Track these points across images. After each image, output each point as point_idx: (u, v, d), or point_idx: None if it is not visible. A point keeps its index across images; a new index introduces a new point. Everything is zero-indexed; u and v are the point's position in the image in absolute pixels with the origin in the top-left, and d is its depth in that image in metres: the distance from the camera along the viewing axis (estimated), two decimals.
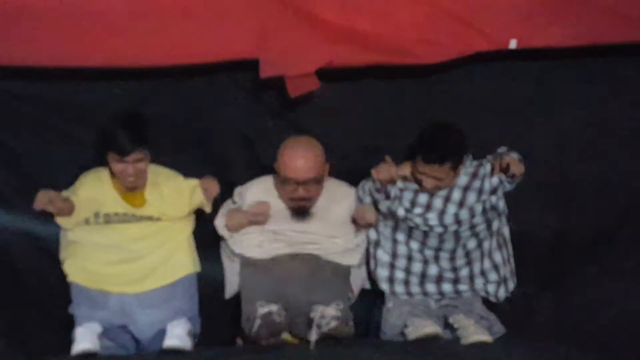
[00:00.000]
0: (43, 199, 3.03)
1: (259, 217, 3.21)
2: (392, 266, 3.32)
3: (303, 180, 3.13)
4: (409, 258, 3.31)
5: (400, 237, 3.30)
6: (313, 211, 3.25)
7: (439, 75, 3.37)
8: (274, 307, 3.01)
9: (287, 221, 3.25)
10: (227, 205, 3.32)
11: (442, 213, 3.21)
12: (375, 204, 3.28)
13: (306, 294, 3.11)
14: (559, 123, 3.47)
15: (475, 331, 3.08)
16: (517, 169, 3.13)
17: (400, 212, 3.21)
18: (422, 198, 3.23)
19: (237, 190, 3.33)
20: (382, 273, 3.32)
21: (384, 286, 3.32)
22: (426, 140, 3.11)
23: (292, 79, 3.17)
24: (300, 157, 3.14)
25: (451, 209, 3.21)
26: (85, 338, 3.04)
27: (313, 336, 3.00)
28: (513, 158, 3.15)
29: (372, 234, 3.35)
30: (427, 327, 3.11)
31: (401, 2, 3.17)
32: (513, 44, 3.20)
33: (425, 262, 3.30)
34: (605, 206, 3.47)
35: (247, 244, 3.25)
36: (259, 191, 3.29)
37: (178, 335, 3.06)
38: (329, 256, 3.25)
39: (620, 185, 3.45)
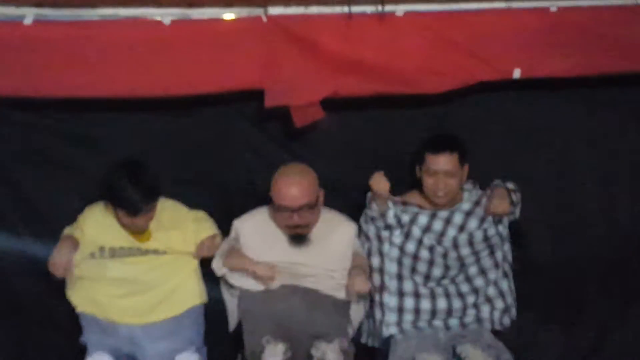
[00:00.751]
0: (58, 268, 3.04)
1: (264, 279, 3.17)
2: (400, 310, 3.29)
3: (297, 207, 3.11)
4: (416, 295, 3.29)
5: (405, 272, 3.29)
6: (311, 238, 3.23)
7: (444, 105, 3.40)
8: (280, 351, 2.98)
9: (285, 252, 3.22)
10: (224, 245, 3.27)
11: (441, 235, 3.23)
12: (378, 231, 3.28)
13: (307, 327, 3.09)
14: (562, 151, 3.50)
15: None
16: (505, 211, 3.17)
17: (397, 239, 3.24)
18: (422, 219, 3.25)
19: (234, 226, 3.30)
20: (391, 319, 3.28)
21: (393, 330, 3.28)
22: (432, 138, 3.23)
23: (297, 109, 3.20)
24: (293, 183, 3.12)
25: (451, 232, 3.23)
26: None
27: None
28: (501, 202, 3.17)
29: (376, 279, 3.32)
30: None
31: (405, 32, 3.20)
32: (517, 74, 3.24)
33: (433, 296, 3.28)
34: (611, 234, 3.47)
35: (246, 277, 3.22)
36: (254, 224, 3.27)
37: None
38: (328, 290, 3.24)
39: (627, 213, 3.46)
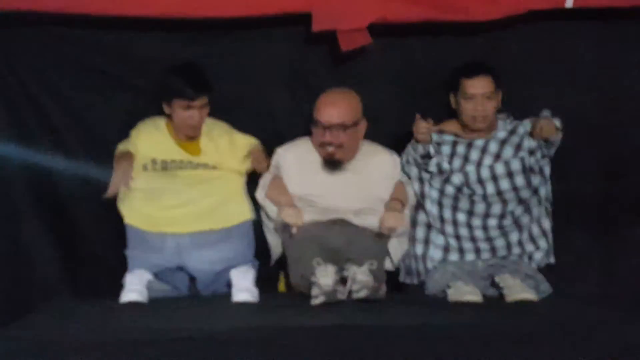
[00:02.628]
0: (117, 182, 3.14)
1: (291, 220, 3.15)
2: (446, 249, 3.30)
3: (330, 124, 3.15)
4: (457, 237, 3.29)
5: (447, 213, 3.30)
6: (347, 167, 3.25)
7: (493, 34, 3.37)
8: (331, 272, 2.98)
9: (324, 183, 3.26)
10: (268, 176, 3.32)
11: (478, 165, 3.22)
12: (419, 173, 3.30)
13: (345, 255, 3.12)
14: (611, 85, 3.42)
15: (521, 289, 3.09)
16: (551, 133, 3.14)
17: (445, 165, 3.24)
18: (460, 149, 3.25)
19: (277, 153, 3.33)
20: (436, 255, 3.30)
21: (437, 254, 3.30)
22: (463, 65, 3.24)
23: (344, 33, 3.21)
24: (331, 101, 3.18)
25: (487, 160, 3.23)
26: (133, 287, 3.11)
27: (344, 297, 3.03)
28: (549, 123, 3.14)
29: (422, 216, 3.34)
30: (468, 295, 3.10)
31: None
32: (569, 3, 3.17)
33: (474, 239, 3.28)
34: None
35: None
36: (296, 154, 3.30)
37: (247, 288, 3.14)
38: (366, 224, 3.25)
39: None
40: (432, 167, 3.27)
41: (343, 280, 3.05)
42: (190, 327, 2.76)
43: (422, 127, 3.15)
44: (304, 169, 3.27)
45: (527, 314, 2.97)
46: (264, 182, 3.31)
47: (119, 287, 3.16)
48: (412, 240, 3.36)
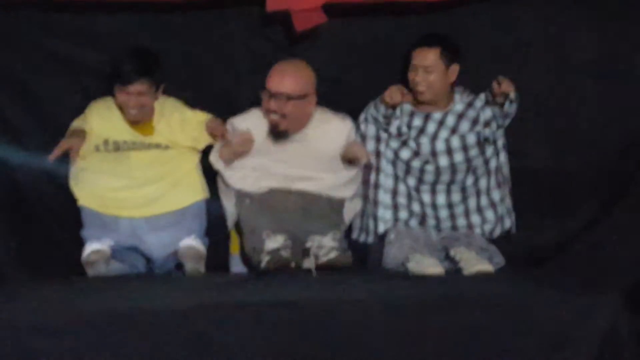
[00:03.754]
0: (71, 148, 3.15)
1: (242, 147, 3.24)
2: (395, 207, 3.36)
3: (274, 93, 3.18)
4: (409, 196, 3.36)
5: (400, 174, 3.36)
6: (295, 137, 3.28)
7: (446, 13, 3.41)
8: (280, 239, 3.08)
9: (279, 153, 3.29)
10: (220, 143, 3.34)
11: (434, 138, 3.28)
12: (377, 132, 3.36)
13: (302, 224, 3.19)
14: (560, 59, 3.49)
15: (477, 262, 3.13)
16: (509, 89, 3.19)
17: (404, 129, 3.30)
18: (417, 121, 3.30)
19: (230, 123, 3.34)
20: (386, 215, 3.36)
21: (389, 225, 3.35)
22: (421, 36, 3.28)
23: (299, 13, 3.22)
24: (281, 70, 3.22)
25: (443, 133, 3.29)
26: (95, 245, 3.13)
27: (312, 265, 3.08)
28: (505, 81, 3.20)
29: (372, 176, 3.40)
30: (431, 268, 3.13)
31: None
32: None
33: (423, 201, 3.35)
34: (605, 142, 3.49)
35: (241, 178, 3.30)
36: (250, 124, 3.31)
37: (192, 259, 3.17)
38: (322, 190, 3.30)
39: (622, 121, 3.47)
40: (393, 128, 3.32)
41: (305, 252, 3.09)
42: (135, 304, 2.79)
43: (396, 92, 3.22)
44: (257, 138, 3.28)
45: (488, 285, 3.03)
46: (217, 146, 3.32)
47: (76, 268, 3.16)
48: (365, 198, 3.41)
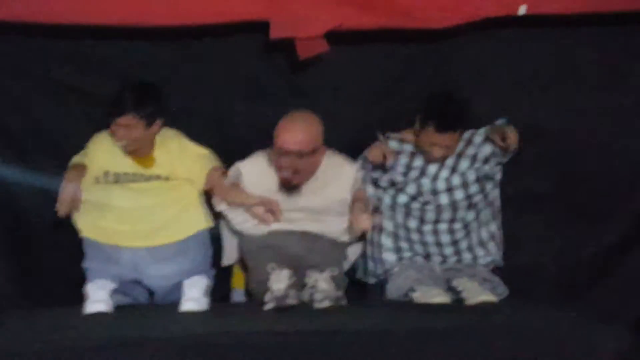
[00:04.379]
0: (65, 203, 3.09)
1: (262, 216, 3.19)
2: (397, 250, 3.37)
3: (289, 151, 3.12)
4: (410, 240, 3.36)
5: (400, 216, 3.35)
6: (304, 188, 3.23)
7: (448, 42, 3.41)
8: (285, 276, 3.04)
9: (285, 198, 3.24)
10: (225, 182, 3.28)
11: (435, 178, 3.28)
12: (374, 181, 3.36)
13: (304, 259, 3.16)
14: (567, 92, 3.50)
15: (479, 292, 3.14)
16: (515, 142, 3.18)
17: (398, 179, 3.29)
18: (418, 162, 3.29)
19: (236, 167, 3.29)
20: (388, 257, 3.36)
21: (391, 257, 3.36)
22: (438, 109, 3.16)
23: (302, 41, 3.18)
24: (290, 127, 3.13)
25: (444, 173, 3.28)
26: (98, 297, 3.09)
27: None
28: (513, 133, 3.19)
29: (376, 219, 3.34)
30: (437, 297, 3.14)
31: None
32: (523, 10, 3.21)
33: (425, 243, 3.35)
34: (605, 170, 3.51)
35: (244, 221, 3.26)
36: (256, 168, 3.28)
37: (194, 298, 3.13)
38: (325, 234, 3.28)
39: (622, 153, 3.49)
40: (384, 183, 3.33)
41: (303, 285, 3.07)
42: (139, 334, 2.77)
43: (378, 154, 3.21)
44: (263, 184, 3.25)
45: (490, 315, 3.01)
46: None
47: (78, 298, 3.13)
48: (367, 241, 3.40)
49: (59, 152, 3.37)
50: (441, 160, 3.26)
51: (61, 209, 3.09)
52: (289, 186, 3.20)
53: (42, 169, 3.37)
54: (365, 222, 3.14)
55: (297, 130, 3.13)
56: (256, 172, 3.26)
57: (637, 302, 3.31)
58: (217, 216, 3.34)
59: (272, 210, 3.17)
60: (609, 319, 3.04)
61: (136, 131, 3.11)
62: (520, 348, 2.73)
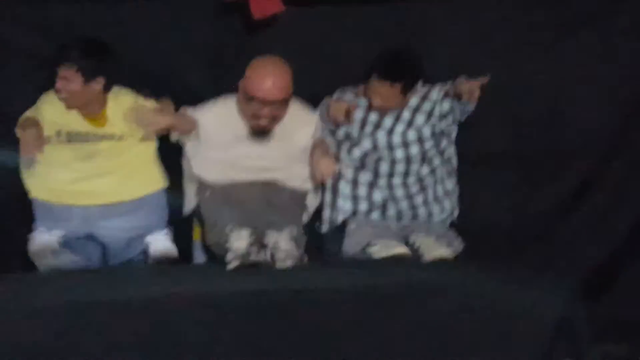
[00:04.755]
0: (30, 145, 3.09)
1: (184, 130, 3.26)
2: (354, 198, 3.42)
3: (271, 101, 3.13)
4: (370, 185, 3.41)
5: (354, 171, 3.42)
6: (272, 134, 3.26)
7: (404, 4, 3.53)
8: (244, 235, 3.03)
9: (246, 145, 3.27)
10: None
11: (390, 132, 3.34)
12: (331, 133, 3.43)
13: (263, 216, 3.17)
14: (521, 54, 3.63)
15: (436, 247, 3.21)
16: (473, 92, 3.21)
17: (354, 133, 3.35)
18: (373, 117, 3.35)
19: (196, 111, 3.31)
20: (346, 206, 3.42)
21: (347, 216, 3.41)
22: (384, 59, 3.24)
23: (257, 1, 3.26)
24: (271, 76, 3.13)
25: (399, 128, 3.34)
26: (43, 237, 3.14)
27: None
28: (472, 84, 3.22)
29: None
30: (397, 248, 3.21)
31: None
32: None
33: (383, 191, 3.41)
34: (558, 130, 3.65)
35: (206, 166, 3.30)
36: (216, 116, 3.29)
37: (163, 248, 3.21)
38: (287, 181, 3.32)
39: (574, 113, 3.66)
40: (340, 136, 3.38)
41: (263, 246, 3.08)
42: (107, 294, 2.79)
43: (339, 111, 3.27)
44: (229, 131, 3.26)
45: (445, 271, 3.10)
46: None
47: (29, 262, 3.14)
48: (326, 189, 3.44)
49: (10, 117, 3.28)
50: (380, 110, 3.31)
51: (26, 150, 3.08)
52: (263, 133, 3.22)
53: None
54: (327, 166, 3.19)
55: (277, 78, 3.14)
56: (221, 121, 3.26)
57: (583, 257, 3.51)
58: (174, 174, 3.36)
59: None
60: (558, 273, 3.24)
61: (75, 84, 3.10)
62: (471, 305, 2.86)
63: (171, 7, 3.44)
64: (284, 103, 3.19)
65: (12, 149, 3.17)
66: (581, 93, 3.63)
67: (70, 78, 3.08)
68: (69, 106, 3.16)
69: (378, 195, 3.40)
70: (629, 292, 3.55)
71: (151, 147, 3.29)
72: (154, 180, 3.29)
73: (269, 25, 3.37)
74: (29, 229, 3.21)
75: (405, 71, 3.25)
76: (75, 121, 3.18)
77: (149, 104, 3.27)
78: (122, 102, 3.22)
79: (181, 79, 3.51)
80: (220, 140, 3.25)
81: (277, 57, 3.24)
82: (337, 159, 3.37)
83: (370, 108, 3.34)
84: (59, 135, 3.17)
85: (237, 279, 2.97)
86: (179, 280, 2.98)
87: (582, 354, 2.87)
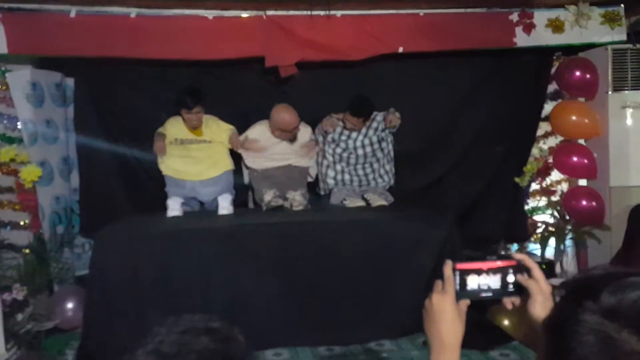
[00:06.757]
0: (160, 149, 5.72)
1: (253, 149, 5.90)
2: (335, 177, 6.10)
3: (291, 130, 5.84)
4: (342, 172, 6.08)
5: (337, 159, 6.07)
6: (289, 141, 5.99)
7: (364, 68, 6.14)
8: (271, 193, 5.73)
9: (277, 146, 5.94)
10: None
11: (355, 140, 6.02)
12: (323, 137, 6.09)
13: (285, 184, 5.86)
14: (425, 99, 6.42)
15: (378, 200, 5.88)
16: (397, 123, 5.90)
17: (336, 137, 6.02)
18: (346, 132, 6.04)
19: (245, 134, 5.96)
20: (331, 182, 6.09)
21: (332, 186, 6.08)
22: (354, 103, 5.90)
23: (283, 67, 5.88)
24: (289, 114, 5.80)
25: (360, 137, 6.02)
26: (174, 207, 5.77)
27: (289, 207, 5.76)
28: (396, 118, 5.90)
29: (325, 160, 6.10)
30: (357, 202, 5.88)
31: (340, 26, 5.87)
32: (401, 49, 5.93)
33: (350, 174, 6.09)
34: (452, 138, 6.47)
35: (253, 160, 5.97)
36: (257, 131, 5.96)
37: (226, 207, 5.80)
38: (296, 163, 5.99)
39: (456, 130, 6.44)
40: (328, 140, 6.04)
41: (285, 198, 5.77)
42: (201, 225, 5.46)
43: (332, 122, 5.89)
44: (264, 140, 5.94)
45: (383, 212, 5.73)
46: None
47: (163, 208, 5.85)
48: (319, 174, 6.17)
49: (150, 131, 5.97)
50: (357, 130, 5.98)
51: (157, 150, 5.71)
52: (292, 140, 5.93)
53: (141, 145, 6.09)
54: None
55: (293, 115, 5.80)
56: (262, 135, 5.96)
57: (456, 201, 6.22)
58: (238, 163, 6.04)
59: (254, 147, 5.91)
60: (442, 211, 5.84)
61: (201, 115, 5.76)
62: (395, 229, 5.40)
63: (234, 70, 6.15)
64: (296, 127, 5.86)
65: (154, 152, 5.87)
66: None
67: (199, 112, 5.68)
68: (195, 127, 5.77)
69: (347, 175, 6.08)
70: (481, 221, 6.30)
71: (226, 147, 5.93)
72: (227, 165, 5.91)
73: (290, 80, 6.03)
74: (164, 192, 5.88)
75: (365, 111, 5.90)
76: (185, 133, 5.81)
77: (225, 125, 5.92)
78: (210, 122, 5.86)
79: (241, 112, 6.25)
80: (263, 145, 5.94)
81: (286, 104, 5.89)
82: (323, 152, 6.06)
83: (345, 128, 6.00)
84: (177, 141, 5.80)
85: (268, 215, 5.62)
86: (242, 216, 5.68)
87: (456, 255, 5.26)
